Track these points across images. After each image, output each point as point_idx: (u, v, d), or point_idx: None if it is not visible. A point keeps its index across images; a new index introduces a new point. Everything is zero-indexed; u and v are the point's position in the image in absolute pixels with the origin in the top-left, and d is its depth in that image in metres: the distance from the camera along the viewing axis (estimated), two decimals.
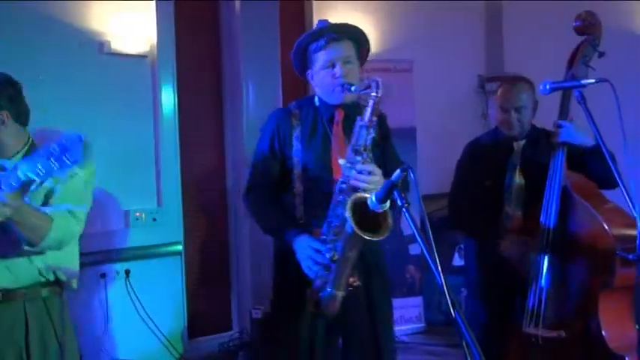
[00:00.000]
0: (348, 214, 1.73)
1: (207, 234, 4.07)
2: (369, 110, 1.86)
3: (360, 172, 1.84)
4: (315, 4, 4.42)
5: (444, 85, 4.81)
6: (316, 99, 2.10)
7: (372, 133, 1.87)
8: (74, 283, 2.10)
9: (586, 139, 2.32)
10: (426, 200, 4.69)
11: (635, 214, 1.76)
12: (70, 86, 3.21)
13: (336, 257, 1.83)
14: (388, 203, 1.65)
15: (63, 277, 2.04)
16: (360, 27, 2.09)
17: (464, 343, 1.34)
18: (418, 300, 4.35)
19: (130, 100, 3.52)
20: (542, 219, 2.35)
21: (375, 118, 1.87)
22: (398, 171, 1.51)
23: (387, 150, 2.12)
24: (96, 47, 3.39)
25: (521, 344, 2.39)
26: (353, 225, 1.72)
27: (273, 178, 2.08)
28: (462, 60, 5.00)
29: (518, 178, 2.51)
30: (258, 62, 4.00)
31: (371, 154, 1.88)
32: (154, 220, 3.54)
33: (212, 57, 4.08)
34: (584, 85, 2.01)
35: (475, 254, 2.75)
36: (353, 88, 1.92)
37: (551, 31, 4.58)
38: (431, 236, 1.39)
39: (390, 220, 1.72)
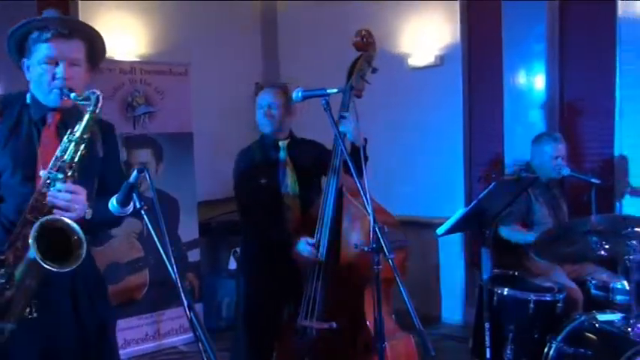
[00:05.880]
0: (31, 238, 1.55)
1: None
2: (82, 125, 1.70)
3: (59, 191, 1.64)
4: (80, 3, 4.11)
5: (222, 91, 4.85)
6: (28, 95, 1.84)
7: (82, 150, 1.69)
8: None
9: (358, 138, 2.52)
10: (205, 206, 4.70)
11: (369, 212, 1.95)
12: None
13: (11, 284, 1.62)
14: (131, 206, 1.59)
15: None
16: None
17: (199, 345, 1.34)
18: (198, 307, 4.29)
19: None
20: (319, 221, 2.49)
21: (87, 135, 1.70)
22: (135, 172, 1.45)
23: (109, 163, 1.94)
24: None
25: (291, 336, 2.53)
26: (36, 253, 1.55)
27: None
28: (240, 67, 5.11)
29: (290, 172, 2.72)
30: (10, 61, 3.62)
31: (76, 173, 1.69)
32: None
33: None
34: (329, 94, 2.19)
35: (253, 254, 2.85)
36: (72, 95, 1.72)
37: (321, 40, 4.94)
38: (167, 237, 1.36)
39: (82, 251, 1.59)
